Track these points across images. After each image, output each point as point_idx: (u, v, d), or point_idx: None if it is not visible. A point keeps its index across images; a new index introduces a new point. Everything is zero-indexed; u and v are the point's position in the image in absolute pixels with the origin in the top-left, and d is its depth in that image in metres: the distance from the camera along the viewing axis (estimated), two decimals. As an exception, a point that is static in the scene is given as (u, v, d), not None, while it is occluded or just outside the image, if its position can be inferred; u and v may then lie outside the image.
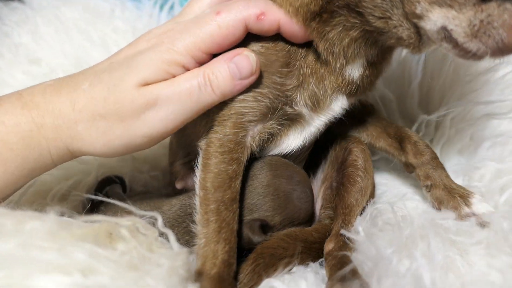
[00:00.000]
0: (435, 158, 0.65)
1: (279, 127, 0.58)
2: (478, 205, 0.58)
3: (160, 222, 0.53)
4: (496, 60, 0.73)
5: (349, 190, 0.63)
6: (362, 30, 0.53)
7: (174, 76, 0.52)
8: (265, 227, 0.58)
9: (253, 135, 0.57)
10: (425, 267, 0.47)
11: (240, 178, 0.55)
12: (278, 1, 0.54)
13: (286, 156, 0.63)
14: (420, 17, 0.46)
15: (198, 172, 0.56)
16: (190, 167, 0.64)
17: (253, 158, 0.60)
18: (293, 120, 0.59)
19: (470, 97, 0.73)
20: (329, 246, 0.57)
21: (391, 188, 0.73)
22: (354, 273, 0.48)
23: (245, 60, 0.52)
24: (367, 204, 0.62)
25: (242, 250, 0.55)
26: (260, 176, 0.59)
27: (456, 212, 0.59)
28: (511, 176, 0.64)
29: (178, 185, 0.65)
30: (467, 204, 0.59)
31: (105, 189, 0.71)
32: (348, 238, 0.56)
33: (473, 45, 0.44)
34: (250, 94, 0.54)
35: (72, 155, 0.55)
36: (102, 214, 0.60)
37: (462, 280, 0.49)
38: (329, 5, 0.51)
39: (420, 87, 0.80)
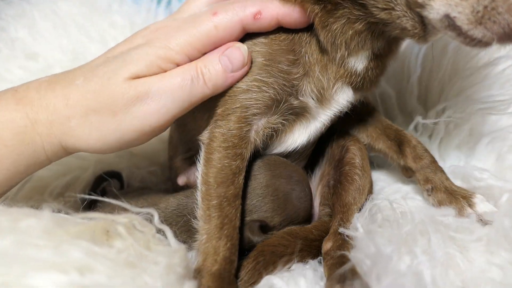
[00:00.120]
0: (433, 161, 0.64)
1: (284, 121, 0.57)
2: (481, 205, 0.58)
3: (156, 218, 0.52)
4: (496, 53, 0.75)
5: (346, 188, 0.63)
6: (367, 23, 0.52)
7: (164, 71, 0.52)
8: (264, 228, 0.57)
9: (257, 129, 0.56)
10: (426, 264, 0.46)
11: (243, 174, 0.54)
12: None
13: (290, 153, 0.62)
14: (422, 6, 0.46)
15: (200, 167, 0.55)
16: (191, 163, 0.63)
17: (254, 157, 0.59)
18: (298, 114, 0.58)
19: (469, 92, 0.72)
20: (327, 245, 0.56)
21: (389, 184, 0.72)
22: (353, 273, 0.47)
23: (237, 52, 0.52)
24: (364, 202, 0.62)
25: (242, 250, 0.54)
26: (259, 176, 0.59)
27: (460, 213, 0.58)
28: (510, 172, 0.64)
29: (180, 181, 0.64)
30: (470, 205, 0.58)
31: (102, 184, 0.70)
32: (347, 236, 0.55)
33: (478, 32, 0.43)
34: (255, 84, 0.54)
35: (66, 152, 0.54)
36: (99, 210, 0.59)
37: (462, 277, 0.48)
38: None
39: (419, 81, 0.79)
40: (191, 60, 0.53)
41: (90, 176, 0.73)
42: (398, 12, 0.48)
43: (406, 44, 0.54)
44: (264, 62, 0.54)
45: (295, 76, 0.55)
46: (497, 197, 0.58)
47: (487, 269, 0.50)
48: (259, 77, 0.54)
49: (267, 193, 0.58)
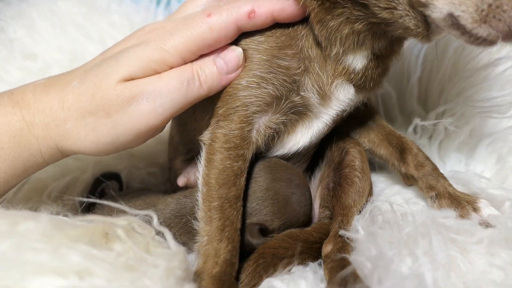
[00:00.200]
0: (435, 168, 0.64)
1: (286, 121, 0.57)
2: (486, 209, 0.57)
3: (155, 220, 0.52)
4: (496, 54, 0.75)
5: (346, 190, 0.62)
6: (368, 23, 0.51)
7: (158, 73, 0.52)
8: (264, 231, 0.57)
9: (259, 128, 0.55)
10: (427, 266, 0.46)
11: (245, 175, 0.54)
12: None
13: (292, 155, 0.62)
14: (425, 5, 0.45)
15: (201, 168, 0.55)
16: (191, 164, 0.63)
17: (256, 159, 0.59)
18: (301, 114, 0.58)
19: (470, 93, 0.72)
20: (327, 248, 0.56)
21: (390, 186, 0.72)
22: (355, 277, 0.47)
23: (232, 55, 0.53)
24: (364, 205, 0.61)
25: (242, 252, 0.54)
26: (259, 179, 0.58)
27: (465, 218, 0.58)
28: (511, 172, 0.64)
29: (180, 182, 0.63)
30: (475, 209, 0.58)
31: (101, 186, 0.69)
32: (347, 238, 0.55)
33: (482, 31, 0.42)
34: (254, 80, 0.53)
35: (63, 154, 0.54)
36: (98, 212, 0.59)
37: (464, 279, 0.48)
38: None
39: (419, 82, 0.78)
40: (185, 62, 0.53)
41: (89, 177, 0.73)
42: (400, 12, 0.47)
43: (406, 45, 0.53)
44: (262, 58, 0.54)
45: (296, 72, 0.54)
46: (499, 202, 0.58)
47: (488, 270, 0.50)
48: (257, 73, 0.53)
49: (267, 197, 0.57)
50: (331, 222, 0.61)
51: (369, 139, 0.68)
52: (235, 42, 0.55)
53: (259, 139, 0.55)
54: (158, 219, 0.52)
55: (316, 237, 0.58)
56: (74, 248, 0.41)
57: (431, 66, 0.77)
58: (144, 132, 0.52)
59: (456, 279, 0.48)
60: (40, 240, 0.41)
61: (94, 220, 0.47)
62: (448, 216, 0.55)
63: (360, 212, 0.60)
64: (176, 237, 0.57)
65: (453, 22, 0.44)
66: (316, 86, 0.55)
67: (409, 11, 0.47)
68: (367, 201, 0.62)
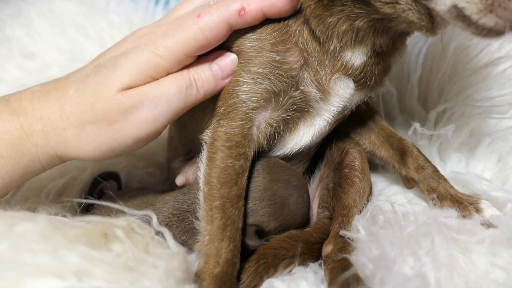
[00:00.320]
0: (436, 171, 0.63)
1: (287, 118, 0.56)
2: (488, 210, 0.57)
3: (155, 220, 0.51)
4: (496, 53, 0.74)
5: (346, 191, 0.61)
6: (370, 20, 0.50)
7: (156, 79, 0.52)
8: (260, 233, 0.56)
9: (259, 125, 0.54)
10: (429, 266, 0.45)
11: (247, 174, 0.53)
12: None
13: (294, 155, 0.61)
14: None
15: (202, 167, 0.54)
16: (191, 163, 0.62)
17: (258, 158, 0.58)
18: (302, 111, 0.57)
19: (470, 92, 0.71)
20: (327, 248, 0.55)
21: (390, 185, 0.71)
22: (356, 278, 0.46)
23: (227, 60, 0.54)
24: (364, 206, 0.60)
25: (242, 253, 0.53)
26: (257, 179, 0.57)
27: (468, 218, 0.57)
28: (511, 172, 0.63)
29: (178, 181, 0.62)
30: (478, 210, 0.57)
31: (100, 186, 0.68)
32: (348, 238, 0.54)
33: (488, 21, 0.41)
34: (249, 75, 0.53)
35: (62, 160, 0.54)
36: (96, 212, 0.58)
37: (466, 279, 0.47)
38: None
39: (419, 82, 0.78)
40: (180, 66, 0.53)
41: (88, 177, 0.72)
42: (403, 5, 0.46)
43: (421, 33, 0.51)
44: (256, 54, 0.53)
45: (294, 66, 0.53)
46: (501, 204, 0.57)
47: (490, 270, 0.50)
48: (253, 69, 0.53)
49: (264, 197, 0.56)
50: (331, 222, 0.60)
51: (369, 140, 0.68)
52: (229, 41, 0.55)
53: (260, 136, 0.55)
54: (157, 218, 0.52)
55: (316, 238, 0.57)
56: (72, 249, 0.40)
57: (431, 65, 0.77)
58: (145, 138, 0.53)
59: (458, 279, 0.47)
60: (38, 241, 0.40)
61: (93, 221, 0.46)
62: (449, 215, 0.54)
63: (360, 212, 0.60)
64: (175, 236, 0.56)
65: (458, 13, 0.43)
66: (315, 81, 0.55)
67: (411, 4, 0.46)
68: (367, 201, 0.61)
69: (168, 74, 0.52)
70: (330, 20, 0.51)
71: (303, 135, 0.59)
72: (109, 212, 0.55)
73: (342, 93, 0.57)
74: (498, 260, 0.51)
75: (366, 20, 0.50)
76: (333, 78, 0.55)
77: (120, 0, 1.09)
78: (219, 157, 0.52)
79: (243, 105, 0.53)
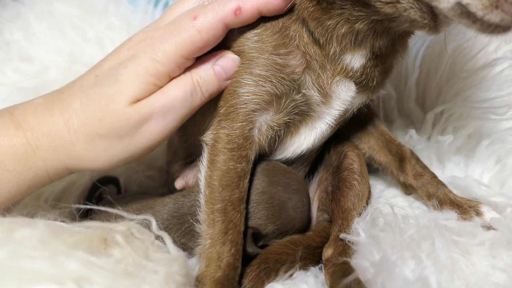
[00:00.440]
0: (434, 177, 0.63)
1: (289, 121, 0.56)
2: (488, 214, 0.56)
3: (154, 225, 0.50)
4: (493, 55, 0.74)
5: (345, 194, 0.61)
6: (370, 22, 0.49)
7: (160, 86, 0.51)
8: (256, 235, 0.55)
9: (260, 127, 0.54)
10: (430, 269, 0.45)
11: (248, 177, 0.53)
12: None
13: (295, 159, 0.60)
14: None
15: (203, 169, 0.53)
16: (190, 167, 0.61)
17: (259, 161, 0.58)
18: (303, 114, 0.56)
19: (468, 94, 0.71)
20: (327, 252, 0.54)
21: (389, 187, 0.70)
22: (358, 283, 0.46)
23: (230, 62, 0.53)
24: (364, 209, 0.60)
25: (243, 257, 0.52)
26: (256, 182, 0.56)
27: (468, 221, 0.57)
28: (510, 173, 0.63)
29: (178, 185, 0.61)
30: (478, 214, 0.57)
31: (99, 191, 0.68)
32: (348, 241, 0.54)
33: (494, 17, 0.40)
34: (251, 77, 0.52)
35: (71, 172, 0.54)
36: (95, 217, 0.57)
37: (467, 282, 0.47)
38: None
39: (417, 84, 0.77)
40: (181, 69, 0.52)
41: (86, 182, 0.71)
42: (404, 4, 0.45)
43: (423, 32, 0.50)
44: (258, 56, 0.53)
45: (296, 70, 0.53)
46: (500, 208, 0.57)
47: (490, 273, 0.49)
48: (255, 71, 0.52)
49: (262, 200, 0.56)
50: (331, 225, 0.60)
51: (369, 145, 0.67)
52: (230, 40, 0.54)
53: (261, 139, 0.54)
54: (156, 221, 0.51)
55: (318, 242, 0.57)
56: (72, 255, 0.40)
57: (429, 67, 0.76)
58: (155, 146, 0.54)
59: (459, 281, 0.47)
60: (37, 248, 0.39)
61: (92, 226, 0.46)
62: (450, 218, 0.54)
63: (360, 215, 0.59)
64: (175, 240, 0.56)
65: (463, 10, 0.42)
66: (316, 85, 0.54)
67: (413, 3, 0.45)
68: (367, 204, 0.61)
69: (170, 78, 0.52)
70: (329, 23, 0.50)
71: (305, 139, 0.58)
72: (108, 217, 0.54)
73: (344, 96, 0.56)
74: (498, 262, 0.51)
75: (366, 22, 0.49)
76: (334, 81, 0.54)
77: (119, 2, 1.08)
78: (220, 160, 0.52)
79: (244, 106, 0.52)
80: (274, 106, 0.54)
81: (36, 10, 1.04)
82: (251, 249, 0.53)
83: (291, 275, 0.52)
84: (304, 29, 0.52)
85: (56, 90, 0.55)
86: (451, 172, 0.67)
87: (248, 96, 0.52)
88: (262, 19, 0.53)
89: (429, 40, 0.77)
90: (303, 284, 0.50)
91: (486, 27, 0.42)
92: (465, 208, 0.57)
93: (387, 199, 0.65)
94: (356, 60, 0.54)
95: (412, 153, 0.65)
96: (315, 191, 0.66)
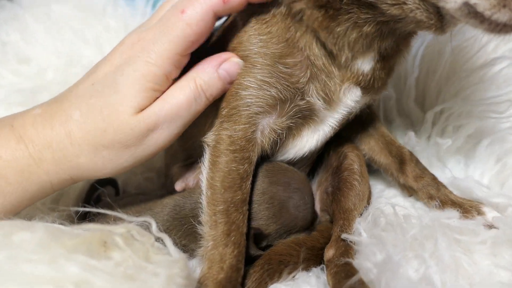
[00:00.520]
0: (434, 178, 0.62)
1: (291, 124, 0.55)
2: (490, 214, 0.56)
3: (154, 227, 0.49)
4: (492, 54, 0.74)
5: (346, 194, 0.60)
6: (376, 23, 0.48)
7: (161, 91, 0.50)
8: (259, 236, 0.54)
9: (263, 130, 0.53)
10: (434, 268, 0.44)
11: (251, 178, 0.52)
12: None
13: (298, 161, 0.59)
14: None
15: (205, 170, 0.53)
16: (190, 169, 0.61)
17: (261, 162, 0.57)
18: (306, 118, 0.56)
19: (467, 93, 0.71)
20: (329, 252, 0.54)
21: (389, 187, 0.70)
22: (361, 283, 0.45)
23: (234, 66, 0.52)
24: (365, 209, 0.59)
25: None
26: (256, 182, 0.56)
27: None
28: (511, 173, 0.62)
29: (178, 187, 0.60)
30: (480, 213, 0.56)
31: (97, 192, 0.67)
32: (350, 241, 0.53)
33: (502, 16, 0.39)
34: (255, 81, 0.51)
35: (75, 181, 0.53)
36: (94, 220, 0.56)
37: (471, 281, 0.46)
38: (334, 3, 0.48)
39: (417, 83, 0.77)
40: (179, 67, 0.51)
41: (85, 183, 0.70)
42: (410, 5, 0.44)
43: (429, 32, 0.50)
44: (263, 62, 0.52)
45: (300, 80, 0.52)
46: (501, 208, 0.57)
47: (494, 271, 0.49)
48: (259, 76, 0.51)
49: (263, 201, 0.55)
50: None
51: (369, 146, 0.67)
52: (234, 42, 0.54)
53: (264, 141, 0.53)
54: (156, 223, 0.50)
55: (322, 243, 0.56)
56: (71, 259, 0.39)
57: (428, 66, 0.76)
58: (160, 150, 0.53)
59: (462, 281, 0.46)
60: (36, 251, 0.39)
61: (92, 229, 0.45)
62: (452, 216, 0.53)
63: (361, 215, 0.59)
64: (175, 241, 0.55)
65: (470, 10, 0.41)
66: (322, 93, 0.53)
67: (419, 4, 0.44)
68: (368, 204, 0.60)
69: (168, 79, 0.50)
70: (338, 30, 0.49)
71: (307, 141, 0.58)
72: (107, 219, 0.53)
73: (349, 102, 0.56)
74: (500, 261, 0.50)
75: (373, 24, 0.49)
76: (342, 89, 0.54)
77: (117, 4, 1.07)
78: (223, 161, 0.51)
79: (247, 108, 0.52)
80: (277, 110, 0.53)
81: (34, 12, 1.03)
82: (253, 251, 0.52)
83: (293, 277, 0.51)
84: (314, 41, 0.51)
85: (53, 98, 0.54)
86: (452, 171, 0.67)
87: (251, 99, 0.51)
88: (268, 26, 0.52)
89: (428, 39, 0.76)
90: (305, 285, 0.50)
91: (494, 26, 0.41)
92: (466, 208, 0.57)
93: (388, 198, 0.65)
94: (366, 63, 0.53)
95: (412, 155, 0.65)
96: (316, 192, 0.65)
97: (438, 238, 0.47)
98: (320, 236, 0.58)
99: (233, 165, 0.51)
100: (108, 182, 0.71)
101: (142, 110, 0.49)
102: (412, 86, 0.77)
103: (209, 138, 0.54)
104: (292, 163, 0.60)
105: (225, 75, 0.52)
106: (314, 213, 0.61)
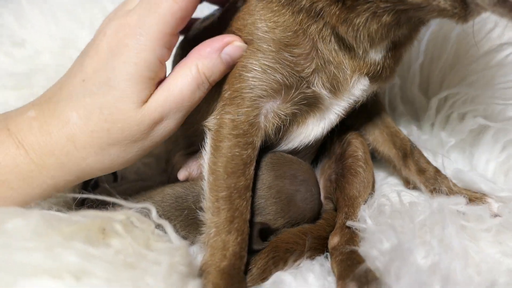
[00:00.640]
0: (437, 171, 0.60)
1: (296, 111, 0.52)
2: (495, 204, 0.54)
3: (154, 213, 0.47)
4: (497, 40, 0.71)
5: (350, 181, 0.58)
6: (395, 12, 0.46)
7: (159, 77, 0.48)
8: (266, 231, 0.52)
9: (266, 114, 0.51)
10: (443, 256, 0.43)
11: (254, 164, 0.50)
12: None
13: (302, 149, 0.57)
14: None
15: (206, 155, 0.50)
16: (193, 157, 0.58)
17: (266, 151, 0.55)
18: (312, 105, 0.53)
19: (473, 79, 0.68)
20: (334, 240, 0.52)
21: (392, 174, 0.67)
22: (369, 272, 0.43)
23: (238, 51, 0.50)
24: (370, 196, 0.57)
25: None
26: (262, 176, 0.53)
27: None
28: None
29: (181, 176, 0.58)
30: (484, 204, 0.54)
31: (95, 178, 0.64)
32: (355, 229, 0.51)
33: None
34: (260, 65, 0.49)
35: (81, 180, 0.51)
36: (92, 206, 0.54)
37: (479, 269, 0.45)
38: None
39: (421, 70, 0.74)
40: (169, 49, 0.47)
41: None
42: None
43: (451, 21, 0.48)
44: (268, 48, 0.49)
45: (305, 70, 0.49)
46: (506, 201, 0.55)
47: (501, 260, 0.47)
48: (263, 61, 0.49)
49: (270, 195, 0.53)
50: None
51: (373, 137, 0.65)
52: (237, 23, 0.51)
53: (267, 125, 0.51)
54: (157, 211, 0.48)
55: (328, 232, 0.54)
56: (69, 247, 0.37)
57: (433, 52, 0.74)
58: (165, 139, 0.51)
59: (470, 269, 0.44)
60: (31, 239, 0.36)
61: (90, 215, 0.43)
62: (459, 202, 0.52)
63: (365, 202, 0.57)
64: (177, 230, 0.53)
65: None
66: (328, 85, 0.51)
67: None
68: (373, 191, 0.59)
69: (162, 63, 0.47)
70: (358, 21, 0.47)
71: (313, 129, 0.55)
72: (105, 206, 0.51)
73: (357, 92, 0.54)
74: (506, 249, 0.49)
75: (391, 13, 0.46)
76: (352, 79, 0.52)
77: (113, -14, 1.03)
78: (225, 146, 0.49)
79: (250, 91, 0.49)
80: (282, 95, 0.51)
81: (28, -6, 0.99)
82: (257, 245, 0.50)
83: (298, 265, 0.49)
84: (331, 36, 0.49)
85: (44, 96, 0.50)
86: (456, 160, 0.65)
87: (255, 81, 0.49)
88: (275, 16, 0.49)
89: (433, 25, 0.73)
90: (309, 273, 0.48)
91: None
92: (471, 199, 0.55)
93: (392, 185, 0.63)
94: (378, 52, 0.51)
95: (415, 147, 0.63)
96: (319, 179, 0.63)
97: (447, 224, 0.45)
98: (326, 224, 0.56)
99: (236, 150, 0.48)
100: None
101: (144, 102, 0.47)
102: (416, 72, 0.74)
103: (211, 122, 0.51)
104: (297, 151, 0.58)
105: (228, 60, 0.49)
106: (320, 203, 0.59)
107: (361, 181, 0.58)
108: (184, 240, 0.51)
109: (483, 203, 0.55)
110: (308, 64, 0.49)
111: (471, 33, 0.72)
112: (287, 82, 0.50)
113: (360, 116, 0.64)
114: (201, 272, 0.46)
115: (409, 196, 0.57)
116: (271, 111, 0.51)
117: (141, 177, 0.74)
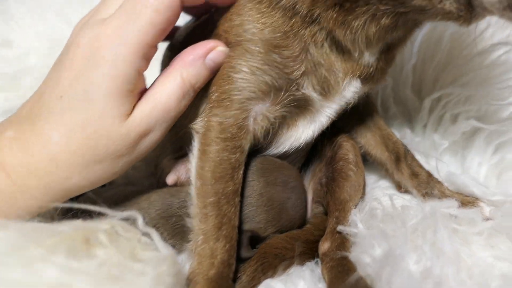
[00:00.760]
0: (429, 175, 0.59)
1: (286, 113, 0.51)
2: (487, 208, 0.54)
3: (140, 221, 0.46)
4: (490, 40, 0.70)
5: (341, 185, 0.57)
6: (394, 15, 0.44)
7: (138, 88, 0.45)
8: (255, 239, 0.51)
9: (255, 117, 0.49)
10: (435, 260, 0.42)
11: (243, 168, 0.48)
12: None
13: (292, 152, 0.56)
14: None
15: (194, 159, 0.49)
16: (182, 161, 0.57)
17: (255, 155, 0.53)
18: (302, 108, 0.52)
19: (466, 80, 0.67)
20: (324, 246, 0.51)
21: (384, 176, 0.66)
22: (361, 281, 0.42)
23: (222, 56, 0.49)
24: (361, 200, 0.56)
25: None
26: (252, 183, 0.52)
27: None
28: (509, 166, 0.60)
29: (170, 180, 0.56)
30: (476, 208, 0.54)
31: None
32: (347, 234, 0.50)
33: None
34: (248, 67, 0.47)
35: (65, 199, 0.48)
36: (77, 214, 0.52)
37: (471, 273, 0.44)
38: None
39: (414, 70, 0.73)
40: (147, 60, 0.45)
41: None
42: None
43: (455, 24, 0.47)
44: (256, 49, 0.47)
45: (294, 73, 0.48)
46: (498, 205, 0.54)
47: (493, 264, 0.47)
48: (251, 63, 0.47)
49: (261, 203, 0.51)
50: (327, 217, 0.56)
51: (365, 140, 0.63)
52: (223, 26, 0.50)
53: (256, 129, 0.49)
54: (143, 219, 0.46)
55: (316, 236, 0.53)
56: (50, 261, 0.35)
57: (425, 53, 0.72)
58: (152, 149, 0.49)
59: (463, 273, 0.44)
60: (9, 254, 0.35)
61: (74, 226, 0.41)
62: (451, 205, 0.51)
63: (356, 206, 0.56)
64: (164, 238, 0.51)
65: (509, 3, 0.37)
66: (318, 87, 0.50)
67: None
68: (363, 195, 0.57)
69: (140, 74, 0.45)
70: (356, 24, 0.45)
71: (303, 132, 0.54)
72: (90, 214, 0.49)
73: (348, 94, 0.52)
74: (497, 252, 0.48)
75: (391, 16, 0.45)
76: (344, 82, 0.50)
77: (102, -15, 1.01)
78: (213, 150, 0.47)
79: (239, 93, 0.47)
80: (271, 98, 0.49)
81: (15, -7, 0.97)
82: (247, 253, 0.49)
83: (287, 271, 0.48)
84: (326, 39, 0.48)
85: (21, 112, 0.47)
86: (448, 163, 0.64)
87: (243, 83, 0.47)
88: (263, 17, 0.47)
89: (426, 26, 0.72)
90: (300, 280, 0.47)
91: None
92: (463, 203, 0.55)
93: (383, 189, 0.62)
94: (372, 55, 0.50)
95: (408, 151, 0.62)
96: (309, 183, 0.62)
97: (439, 228, 0.45)
98: (313, 228, 0.54)
99: (224, 154, 0.47)
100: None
101: (127, 115, 0.45)
102: (409, 73, 0.73)
103: (198, 124, 0.50)
104: (287, 155, 0.57)
105: (212, 65, 0.48)
106: (307, 209, 0.58)
107: (352, 185, 0.57)
108: (172, 248, 0.49)
109: (475, 206, 0.54)
110: (297, 67, 0.48)
111: (464, 33, 0.71)
112: (276, 84, 0.48)
113: (351, 118, 0.63)
114: (189, 282, 0.44)
115: (401, 199, 0.56)
116: (260, 113, 0.49)
117: (130, 180, 0.72)
